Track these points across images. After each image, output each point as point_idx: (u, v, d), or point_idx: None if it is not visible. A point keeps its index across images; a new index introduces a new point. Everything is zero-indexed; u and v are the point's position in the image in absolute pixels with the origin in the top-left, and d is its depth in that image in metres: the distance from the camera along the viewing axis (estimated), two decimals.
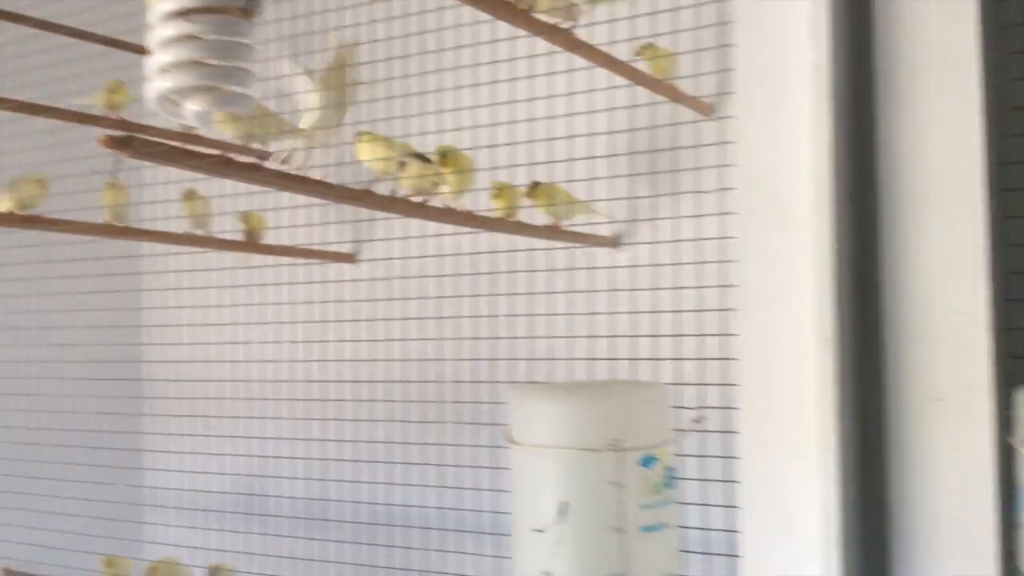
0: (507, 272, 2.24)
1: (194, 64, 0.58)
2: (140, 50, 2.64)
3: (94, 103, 2.31)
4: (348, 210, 2.56)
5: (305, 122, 1.47)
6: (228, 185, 2.33)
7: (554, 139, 2.01)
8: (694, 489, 1.47)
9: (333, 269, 2.60)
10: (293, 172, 1.33)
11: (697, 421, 0.98)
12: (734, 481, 0.94)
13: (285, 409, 2.59)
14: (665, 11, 1.77)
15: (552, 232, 2.03)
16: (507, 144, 2.01)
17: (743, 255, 0.89)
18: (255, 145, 1.41)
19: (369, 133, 1.57)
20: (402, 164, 1.48)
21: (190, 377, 2.67)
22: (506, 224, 1.92)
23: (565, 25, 1.56)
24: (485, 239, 2.27)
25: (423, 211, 1.64)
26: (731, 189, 0.93)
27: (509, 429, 0.87)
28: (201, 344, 2.71)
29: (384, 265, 2.52)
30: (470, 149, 1.81)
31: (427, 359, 2.35)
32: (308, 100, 1.43)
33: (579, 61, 1.77)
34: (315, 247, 2.57)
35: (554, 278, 2.21)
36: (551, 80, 1.98)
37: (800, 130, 0.81)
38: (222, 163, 1.25)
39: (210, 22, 0.58)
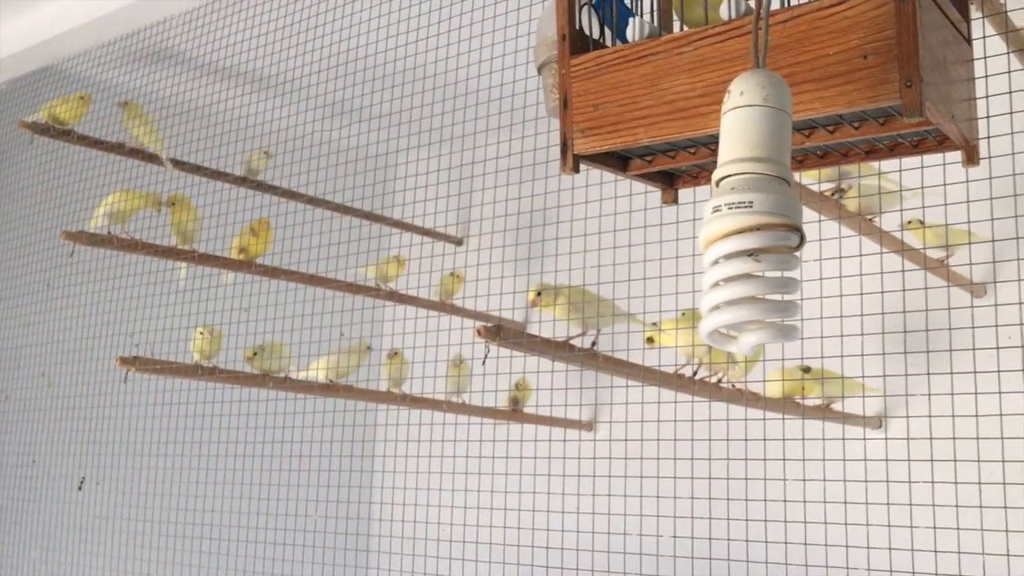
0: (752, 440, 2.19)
1: (756, 300, 0.63)
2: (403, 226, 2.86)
3: (369, 275, 2.50)
4: (587, 378, 2.61)
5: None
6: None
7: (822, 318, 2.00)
8: None
9: (569, 434, 2.64)
10: (616, 357, 1.40)
11: None
12: None
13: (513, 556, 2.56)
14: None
15: (820, 412, 2.01)
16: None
17: None
18: (589, 331, 1.48)
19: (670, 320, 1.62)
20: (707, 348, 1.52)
21: (417, 532, 2.71)
22: (779, 403, 1.91)
23: (869, 217, 1.59)
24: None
25: (719, 392, 1.66)
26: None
27: None
28: (434, 490, 2.74)
29: (620, 431, 2.52)
30: None
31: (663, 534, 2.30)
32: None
33: (849, 247, 1.79)
34: (557, 416, 2.62)
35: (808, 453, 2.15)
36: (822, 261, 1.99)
37: None
38: (565, 347, 1.33)
39: (772, 260, 0.63)
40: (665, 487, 2.37)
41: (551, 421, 2.61)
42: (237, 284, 2.21)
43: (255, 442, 2.52)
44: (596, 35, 1.00)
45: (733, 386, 1.75)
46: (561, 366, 2.34)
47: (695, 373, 1.62)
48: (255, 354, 2.04)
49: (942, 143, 0.94)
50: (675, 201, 1.11)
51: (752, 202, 0.64)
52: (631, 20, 0.94)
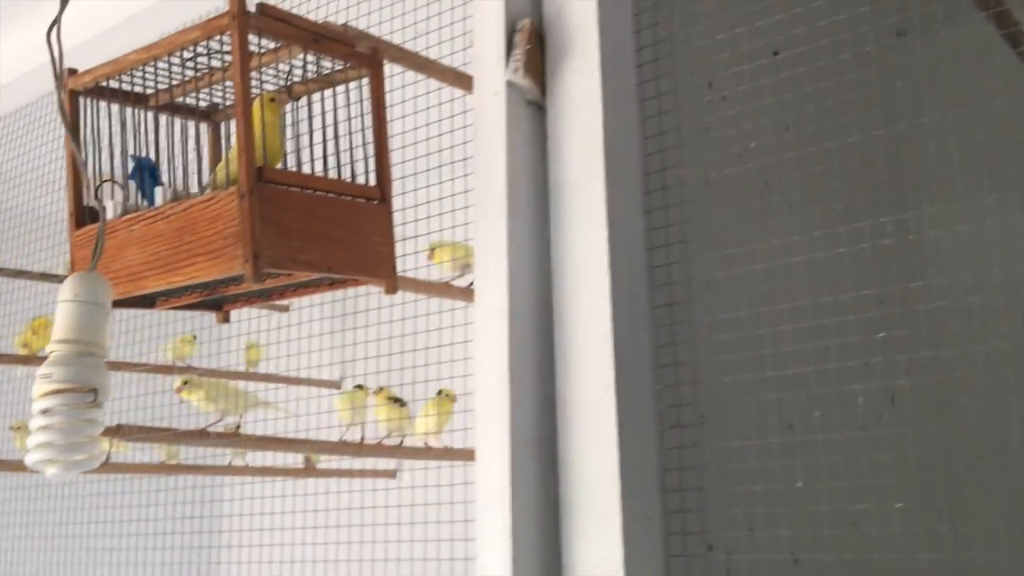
0: None
1: (49, 444, 0.90)
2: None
3: (168, 354, 2.76)
4: None
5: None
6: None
7: None
8: None
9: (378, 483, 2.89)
10: (260, 436, 1.67)
11: None
12: None
13: None
14: None
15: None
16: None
17: None
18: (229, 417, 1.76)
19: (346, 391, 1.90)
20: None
21: None
22: None
23: None
24: None
25: (396, 452, 1.93)
26: None
27: None
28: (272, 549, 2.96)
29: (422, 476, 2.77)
30: None
31: None
32: None
33: None
34: (359, 468, 2.86)
35: None
36: None
37: None
38: (199, 436, 1.60)
39: (64, 413, 0.90)
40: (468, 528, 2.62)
41: (351, 473, 2.86)
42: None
43: None
44: (131, 203, 1.28)
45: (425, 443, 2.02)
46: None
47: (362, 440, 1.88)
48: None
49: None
50: (227, 320, 1.39)
51: (53, 374, 0.91)
52: (145, 199, 1.21)
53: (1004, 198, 2.15)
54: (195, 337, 2.77)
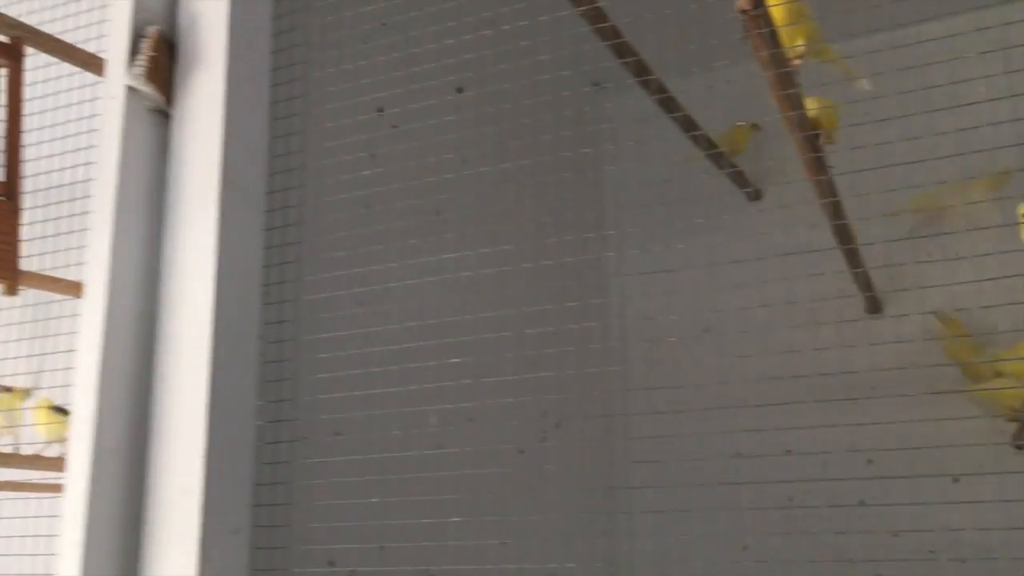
0: None
1: None
2: None
3: None
4: None
5: None
6: None
7: None
8: None
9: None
10: None
11: None
12: None
13: None
14: None
15: None
16: None
17: None
18: None
19: None
20: None
21: None
22: None
23: None
24: None
25: (47, 464, 1.82)
26: None
27: None
28: None
29: None
30: None
31: None
32: None
33: None
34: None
35: None
36: None
37: None
38: None
39: None
40: None
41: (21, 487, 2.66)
42: None
43: None
44: None
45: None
46: None
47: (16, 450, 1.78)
48: None
49: None
50: None
51: None
52: None
53: (693, 238, 2.34)
54: None
